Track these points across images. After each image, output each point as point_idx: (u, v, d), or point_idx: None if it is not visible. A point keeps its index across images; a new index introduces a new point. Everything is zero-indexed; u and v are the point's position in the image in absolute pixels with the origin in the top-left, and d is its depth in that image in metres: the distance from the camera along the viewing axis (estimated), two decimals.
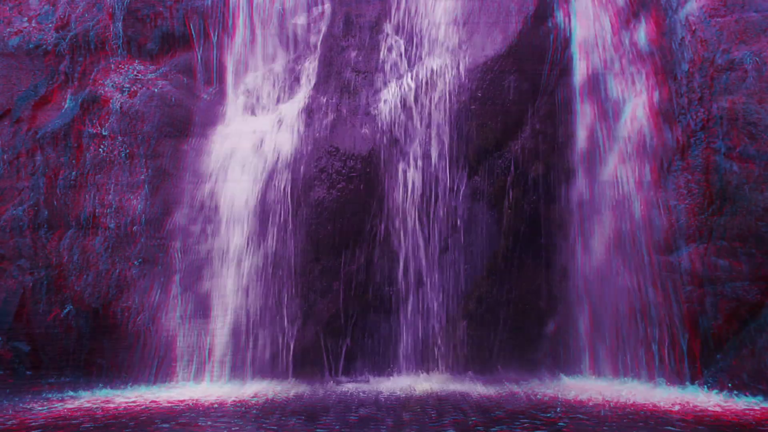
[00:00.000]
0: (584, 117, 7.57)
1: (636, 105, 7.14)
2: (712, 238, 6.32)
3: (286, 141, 7.79)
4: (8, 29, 8.63)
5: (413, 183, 7.59)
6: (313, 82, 8.25)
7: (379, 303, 7.49)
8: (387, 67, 7.95)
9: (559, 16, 7.77)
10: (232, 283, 7.50)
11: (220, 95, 8.49)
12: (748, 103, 6.17)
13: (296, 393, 6.51)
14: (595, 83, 7.52)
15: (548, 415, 5.11)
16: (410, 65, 7.94)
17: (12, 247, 8.08)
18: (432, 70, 7.80)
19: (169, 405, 5.88)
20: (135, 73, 8.33)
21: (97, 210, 7.94)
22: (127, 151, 8.03)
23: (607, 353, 7.10)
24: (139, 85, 8.24)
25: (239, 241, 7.59)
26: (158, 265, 7.72)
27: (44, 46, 8.49)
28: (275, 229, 7.53)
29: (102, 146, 8.08)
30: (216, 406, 5.81)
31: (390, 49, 8.05)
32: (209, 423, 4.99)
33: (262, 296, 7.44)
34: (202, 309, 7.51)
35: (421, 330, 7.45)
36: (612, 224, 7.18)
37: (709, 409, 5.36)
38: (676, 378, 6.45)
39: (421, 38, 8.03)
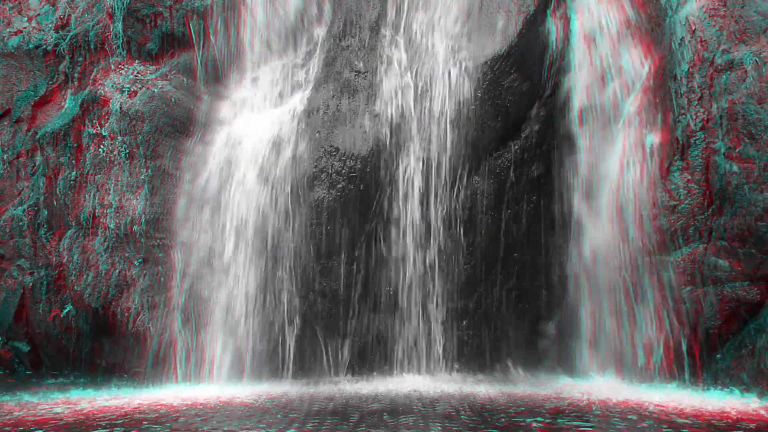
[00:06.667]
0: (584, 117, 7.57)
1: (635, 105, 7.14)
2: (712, 238, 6.32)
3: (286, 141, 7.79)
4: (8, 29, 8.63)
5: (413, 183, 7.59)
6: (313, 82, 8.25)
7: (379, 303, 7.49)
8: (387, 67, 7.95)
9: (559, 16, 7.77)
10: (231, 283, 7.50)
11: (221, 95, 8.49)
12: (748, 103, 6.17)
13: (296, 393, 6.51)
14: (595, 83, 7.52)
15: (549, 415, 5.12)
16: (410, 65, 7.94)
17: (12, 247, 8.08)
18: (432, 70, 7.80)
19: (169, 405, 5.88)
20: (135, 73, 8.32)
21: (97, 210, 7.94)
22: (127, 151, 8.03)
23: (608, 353, 7.10)
24: (139, 85, 8.24)
25: (239, 241, 7.59)
26: (158, 265, 7.72)
27: (44, 46, 8.49)
28: (275, 229, 7.53)
29: (102, 146, 8.08)
30: (216, 406, 5.81)
31: (390, 49, 8.06)
32: (209, 423, 4.99)
33: (262, 296, 7.44)
34: (201, 309, 7.51)
35: (421, 330, 7.45)
36: (612, 224, 7.17)
37: (709, 409, 5.36)
38: (676, 378, 6.45)
39: (420, 38, 8.03)
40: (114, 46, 8.43)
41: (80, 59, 8.44)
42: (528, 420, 4.89)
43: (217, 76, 8.51)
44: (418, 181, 7.59)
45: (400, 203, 7.58)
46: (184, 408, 5.70)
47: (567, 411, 5.29)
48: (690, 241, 6.46)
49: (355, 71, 8.00)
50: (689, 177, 6.52)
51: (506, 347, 7.63)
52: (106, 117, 8.13)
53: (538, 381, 7.13)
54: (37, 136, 8.26)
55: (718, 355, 6.23)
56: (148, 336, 7.51)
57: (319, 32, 8.60)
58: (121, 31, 8.41)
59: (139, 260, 7.73)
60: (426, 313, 7.46)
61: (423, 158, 7.60)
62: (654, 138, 6.88)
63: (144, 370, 7.44)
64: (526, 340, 7.70)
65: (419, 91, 7.78)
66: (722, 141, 6.29)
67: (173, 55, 8.48)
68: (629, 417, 5.01)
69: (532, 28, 7.70)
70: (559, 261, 7.73)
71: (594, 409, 5.39)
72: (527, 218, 7.72)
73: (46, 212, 8.10)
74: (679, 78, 6.70)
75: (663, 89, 6.87)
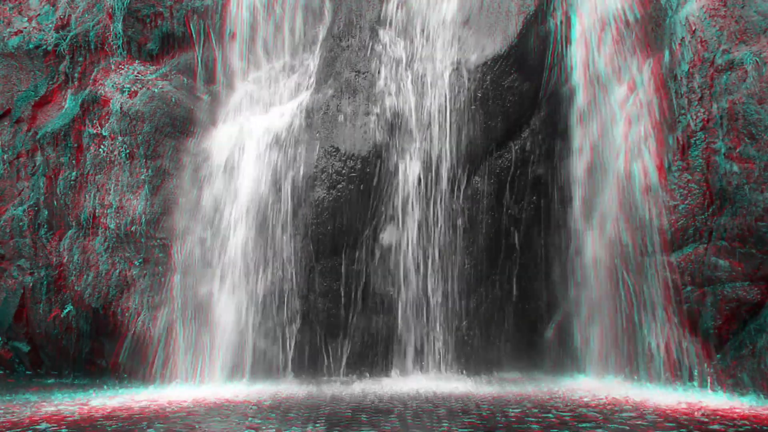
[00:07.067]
0: (584, 117, 7.57)
1: (635, 105, 7.14)
2: (712, 238, 6.32)
3: (286, 141, 7.79)
4: (8, 29, 8.64)
5: (413, 183, 7.59)
6: (313, 82, 8.26)
7: (379, 303, 7.49)
8: (387, 67, 7.95)
9: (559, 16, 7.77)
10: (231, 283, 7.51)
11: (221, 95, 8.49)
12: (748, 103, 6.17)
13: (297, 393, 6.51)
14: (595, 83, 7.52)
15: (551, 415, 5.12)
16: (410, 65, 7.94)
17: (12, 247, 8.09)
18: (432, 71, 7.81)
19: (170, 405, 5.88)
20: (135, 73, 8.33)
21: (97, 210, 7.95)
22: (128, 151, 8.03)
23: (608, 353, 7.10)
24: (140, 86, 8.24)
25: (239, 240, 7.59)
26: (158, 265, 7.72)
27: (44, 46, 8.50)
28: (275, 229, 7.53)
29: (102, 146, 8.09)
30: (216, 406, 5.81)
31: (390, 50, 8.06)
32: (210, 423, 4.99)
33: (262, 296, 7.44)
34: (202, 309, 7.51)
35: (422, 330, 7.45)
36: (612, 224, 7.17)
37: (709, 408, 5.36)
38: (676, 378, 6.45)
39: (420, 38, 8.03)
40: (114, 46, 8.44)
41: (80, 59, 8.45)
42: (530, 419, 4.90)
43: (217, 76, 8.51)
44: (418, 181, 7.59)
45: (401, 203, 7.59)
46: (185, 408, 5.71)
47: (567, 411, 5.29)
48: (690, 241, 6.46)
49: (356, 71, 8.00)
50: (689, 177, 6.52)
51: (507, 347, 7.63)
52: (107, 117, 8.13)
53: (539, 381, 7.13)
54: (38, 136, 8.26)
55: (718, 355, 6.23)
56: (148, 336, 7.51)
57: (320, 32, 8.61)
58: (121, 31, 8.41)
59: (140, 260, 7.74)
60: (426, 313, 7.47)
61: (423, 158, 7.61)
62: (654, 138, 6.88)
63: (144, 370, 7.44)
64: (526, 340, 7.70)
65: (419, 92, 7.78)
66: (722, 141, 6.29)
67: (173, 55, 8.48)
68: (629, 416, 5.01)
69: (532, 28, 7.70)
70: (559, 261, 7.73)
71: (595, 409, 5.39)
72: (527, 218, 7.72)
73: (46, 212, 8.10)
74: (679, 78, 6.70)
75: (663, 89, 6.87)
